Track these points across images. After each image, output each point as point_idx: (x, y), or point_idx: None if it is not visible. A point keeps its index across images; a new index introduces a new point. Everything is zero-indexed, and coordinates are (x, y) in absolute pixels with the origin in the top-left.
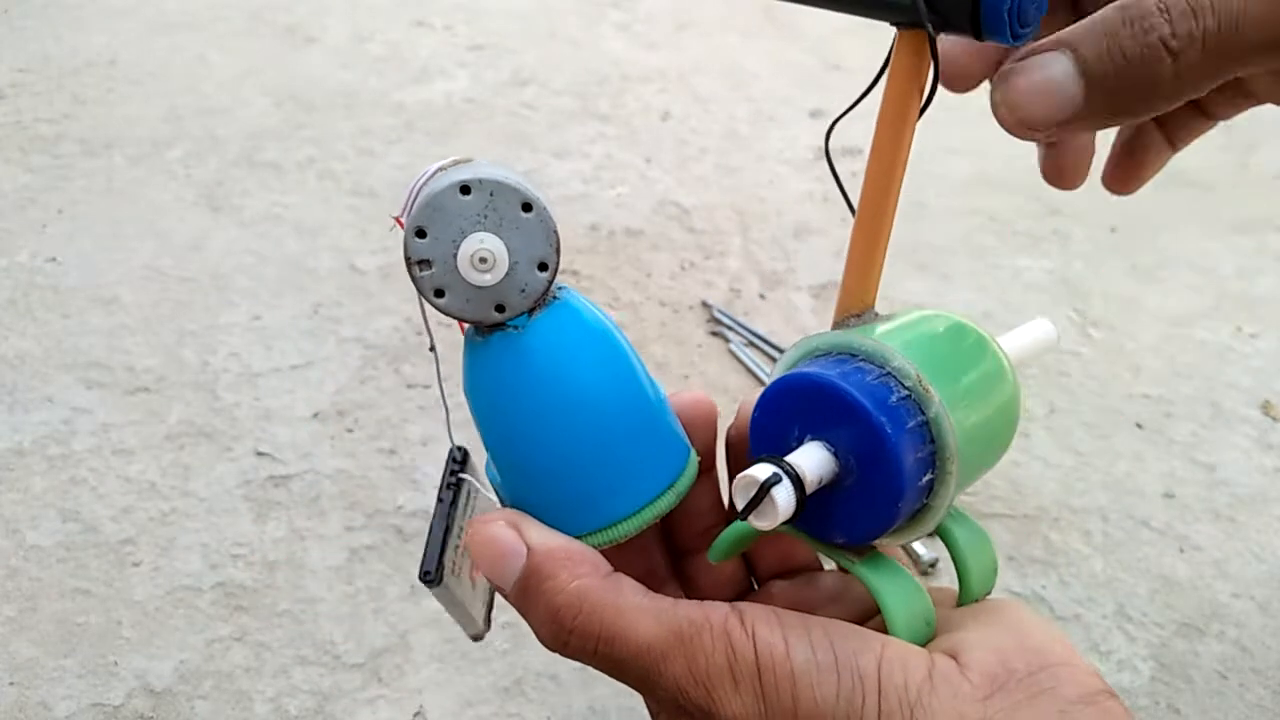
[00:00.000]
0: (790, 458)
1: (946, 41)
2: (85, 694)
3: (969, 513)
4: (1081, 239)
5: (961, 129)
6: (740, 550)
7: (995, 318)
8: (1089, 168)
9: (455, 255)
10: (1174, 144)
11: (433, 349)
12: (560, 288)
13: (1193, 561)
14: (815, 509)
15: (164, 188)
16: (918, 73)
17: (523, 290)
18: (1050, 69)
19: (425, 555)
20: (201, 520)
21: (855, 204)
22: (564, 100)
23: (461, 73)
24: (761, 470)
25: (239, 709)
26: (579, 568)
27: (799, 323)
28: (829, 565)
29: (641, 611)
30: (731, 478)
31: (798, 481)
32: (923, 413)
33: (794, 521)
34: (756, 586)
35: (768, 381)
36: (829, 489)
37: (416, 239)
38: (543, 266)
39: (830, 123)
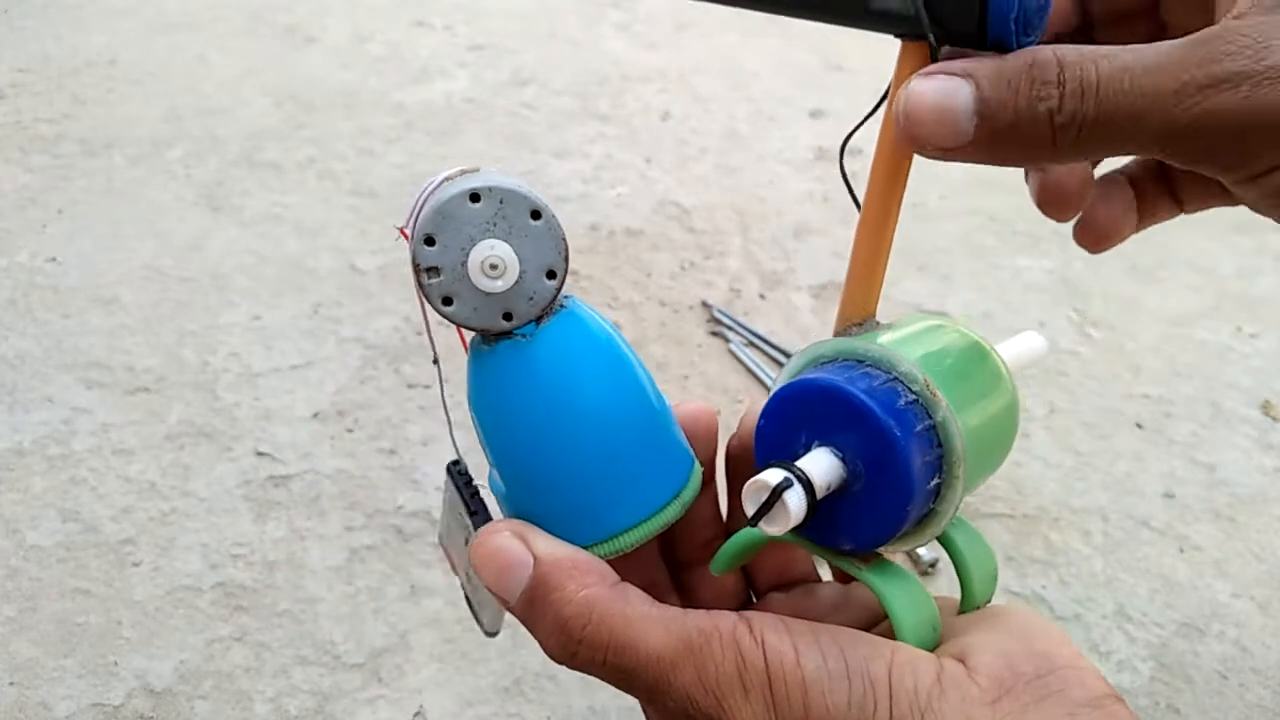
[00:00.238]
0: (799, 463)
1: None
2: (85, 694)
3: (969, 515)
4: None
5: None
6: (743, 561)
7: (995, 318)
8: (1084, 198)
9: (465, 263)
10: (1152, 214)
11: (436, 362)
12: (566, 297)
13: (1193, 561)
14: (822, 516)
15: (164, 188)
16: None
17: (531, 298)
18: (954, 97)
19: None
20: (201, 520)
21: (855, 196)
22: (564, 100)
23: (461, 73)
24: (773, 475)
25: (239, 709)
26: (586, 577)
27: (799, 323)
28: (826, 576)
29: (650, 621)
30: (731, 489)
31: (809, 486)
32: (930, 416)
33: (802, 528)
34: (755, 599)
35: (772, 388)
36: (836, 495)
37: (425, 246)
38: (551, 275)
39: (842, 142)
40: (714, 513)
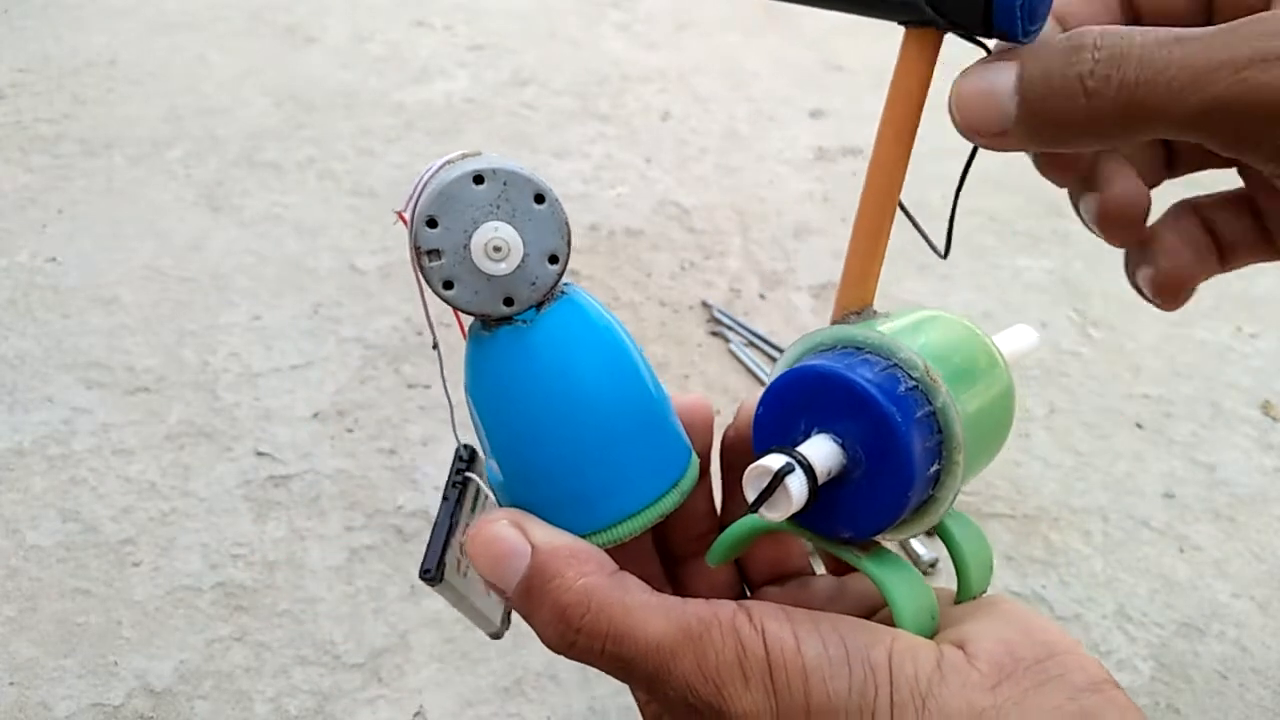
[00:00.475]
0: (800, 449)
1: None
2: (85, 694)
3: (970, 515)
4: (1081, 239)
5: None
6: (740, 552)
7: (995, 318)
8: (1143, 213)
9: (467, 245)
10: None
11: (435, 347)
12: (567, 284)
13: (1193, 561)
14: (821, 504)
15: (164, 188)
16: (924, 72)
17: (533, 283)
18: (996, 79)
19: (427, 553)
20: (201, 520)
21: (926, 235)
22: (564, 100)
23: (461, 73)
24: (774, 460)
25: (239, 709)
26: (585, 565)
27: (799, 323)
28: (820, 570)
29: (649, 609)
30: (727, 481)
31: (810, 471)
32: (930, 403)
33: (802, 515)
34: (750, 593)
35: (770, 375)
36: (835, 483)
37: (427, 228)
38: (553, 260)
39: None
40: (709, 506)
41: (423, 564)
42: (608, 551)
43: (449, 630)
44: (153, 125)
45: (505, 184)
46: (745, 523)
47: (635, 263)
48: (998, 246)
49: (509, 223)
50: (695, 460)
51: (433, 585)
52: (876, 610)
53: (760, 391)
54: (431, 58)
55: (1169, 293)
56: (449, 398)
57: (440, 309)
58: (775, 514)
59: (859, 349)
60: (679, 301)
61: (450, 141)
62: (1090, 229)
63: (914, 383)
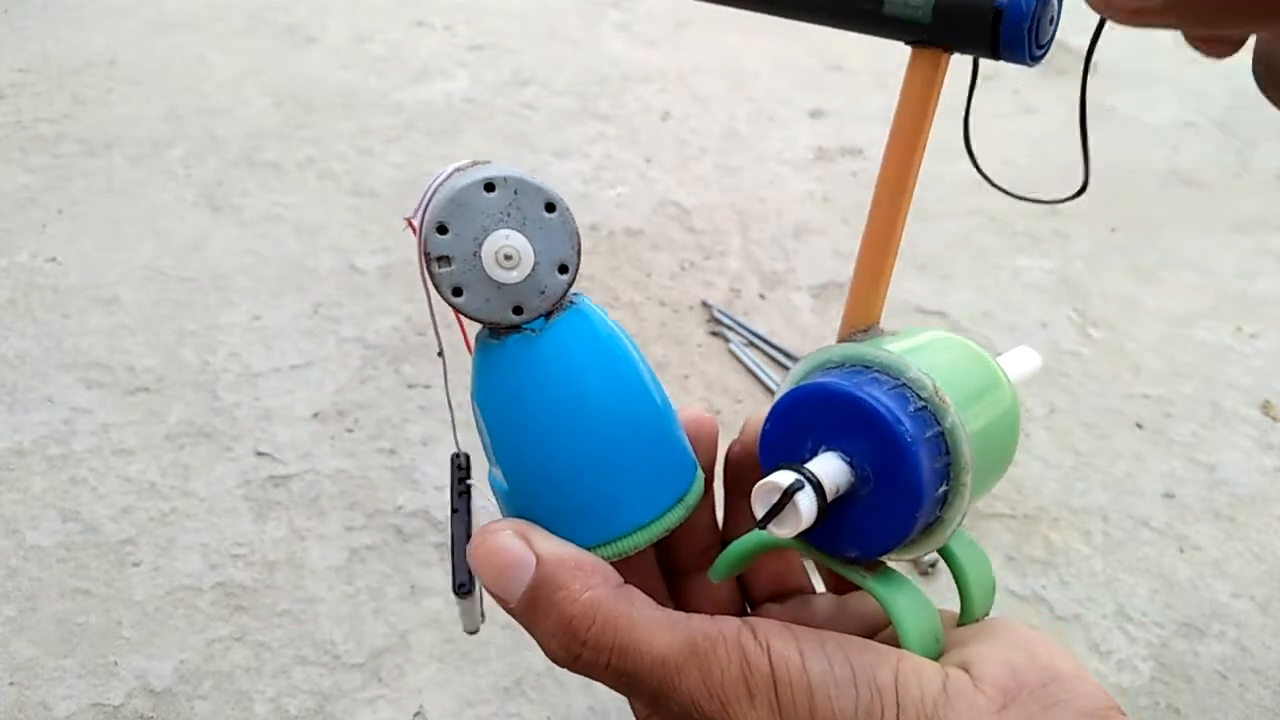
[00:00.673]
0: (809, 466)
1: None
2: (85, 694)
3: (971, 514)
4: (1081, 239)
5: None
6: (743, 568)
7: (995, 318)
8: None
9: (478, 252)
10: None
11: (440, 354)
12: (576, 294)
13: (1193, 561)
14: (828, 522)
15: (164, 188)
16: (930, 91)
17: (542, 292)
18: None
19: (454, 568)
20: (201, 520)
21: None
22: (564, 100)
23: (461, 73)
24: (784, 477)
25: (239, 709)
26: (591, 578)
27: (799, 323)
28: (820, 588)
29: (655, 623)
30: (731, 496)
31: (819, 489)
32: (939, 423)
33: (809, 534)
34: (751, 610)
35: (777, 393)
36: (843, 501)
37: (437, 235)
38: (563, 269)
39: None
40: (712, 521)
41: (454, 579)
42: (612, 565)
43: (449, 630)
44: (153, 125)
45: (516, 192)
46: (750, 539)
47: (635, 263)
48: (998, 246)
49: (520, 231)
50: (701, 475)
51: (465, 599)
52: (878, 630)
53: (759, 392)
54: (431, 58)
55: None
56: (451, 405)
57: (445, 315)
58: (784, 531)
59: (868, 367)
60: (679, 301)
61: (450, 141)
62: None
63: (923, 403)
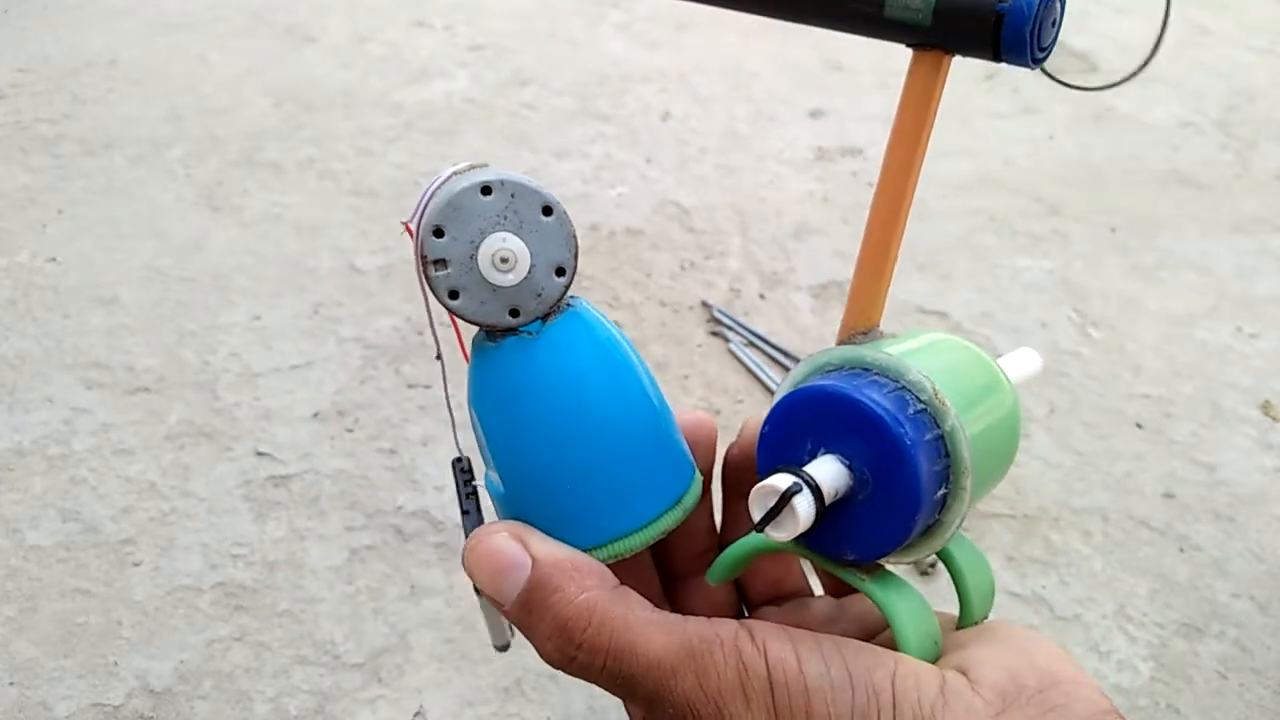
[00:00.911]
0: (807, 469)
1: None
2: (85, 694)
3: (971, 514)
4: (1081, 239)
5: (961, 130)
6: (740, 571)
7: (995, 317)
8: None
9: (474, 255)
10: None
11: (439, 357)
12: (573, 297)
13: (1193, 561)
14: (826, 525)
15: (164, 188)
16: (932, 94)
17: (539, 295)
18: None
19: None
20: (201, 520)
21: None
22: (564, 100)
23: (461, 73)
24: (782, 480)
25: (239, 709)
26: (587, 580)
27: (799, 323)
28: (818, 590)
29: (652, 626)
30: (729, 498)
31: (818, 492)
32: (938, 426)
33: (807, 536)
34: (748, 613)
35: (776, 395)
36: (841, 504)
37: (434, 238)
38: (560, 272)
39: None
40: (709, 523)
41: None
42: (608, 567)
43: (449, 630)
44: (153, 125)
45: (513, 195)
46: (747, 542)
47: (635, 263)
48: (998, 246)
49: (516, 234)
50: (698, 477)
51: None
52: (876, 633)
53: (759, 392)
54: (431, 58)
55: None
56: (451, 408)
57: (442, 318)
58: (781, 534)
59: (867, 370)
60: (679, 301)
61: (450, 141)
62: None
63: (922, 405)
